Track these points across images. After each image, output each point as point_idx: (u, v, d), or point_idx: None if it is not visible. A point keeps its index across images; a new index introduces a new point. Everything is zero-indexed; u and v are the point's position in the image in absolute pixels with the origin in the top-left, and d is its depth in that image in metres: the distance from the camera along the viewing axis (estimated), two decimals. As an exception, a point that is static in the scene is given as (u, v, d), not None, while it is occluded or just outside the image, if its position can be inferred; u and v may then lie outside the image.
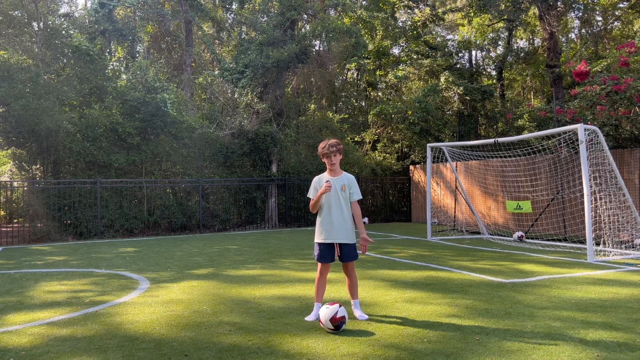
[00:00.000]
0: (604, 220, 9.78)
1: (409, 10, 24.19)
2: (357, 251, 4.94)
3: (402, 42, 23.34)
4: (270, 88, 17.50)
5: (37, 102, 12.75)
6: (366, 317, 4.88)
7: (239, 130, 16.54)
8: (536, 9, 19.29)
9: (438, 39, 25.03)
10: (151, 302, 5.62)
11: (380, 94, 24.35)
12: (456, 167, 15.44)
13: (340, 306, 4.44)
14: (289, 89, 20.11)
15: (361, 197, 4.98)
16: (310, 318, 4.82)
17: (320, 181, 4.93)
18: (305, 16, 19.70)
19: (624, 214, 9.87)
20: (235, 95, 17.38)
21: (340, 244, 4.80)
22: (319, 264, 4.87)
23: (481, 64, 26.08)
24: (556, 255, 9.39)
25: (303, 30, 20.02)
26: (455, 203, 15.08)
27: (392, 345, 4.03)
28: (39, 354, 3.90)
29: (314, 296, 4.99)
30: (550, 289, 6.23)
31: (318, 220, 4.94)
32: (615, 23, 23.39)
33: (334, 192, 4.83)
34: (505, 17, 20.22)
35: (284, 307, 5.34)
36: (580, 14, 21.50)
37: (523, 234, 11.74)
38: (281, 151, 17.59)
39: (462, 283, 6.62)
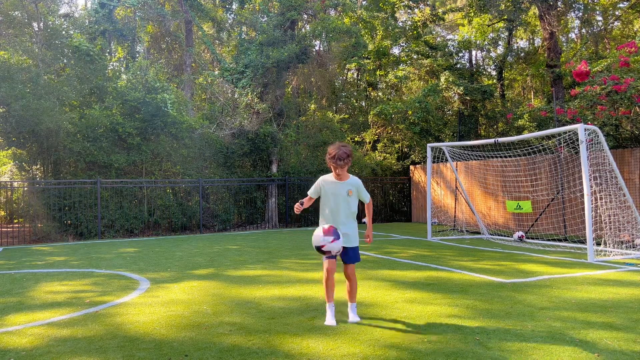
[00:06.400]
0: (604, 220, 9.78)
1: (409, 10, 24.19)
2: (358, 256, 4.91)
3: (402, 42, 23.34)
4: (270, 88, 17.50)
5: (37, 103, 12.75)
6: (358, 319, 4.80)
7: (239, 130, 16.54)
8: (536, 9, 19.29)
9: (438, 39, 25.04)
10: (151, 303, 5.62)
11: (380, 94, 24.34)
12: (456, 167, 15.44)
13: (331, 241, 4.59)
14: (289, 89, 20.10)
15: (370, 199, 5.00)
16: (328, 322, 4.69)
17: (324, 182, 4.88)
18: (305, 16, 19.71)
19: (624, 214, 9.87)
20: (235, 95, 17.38)
21: (344, 247, 4.75)
22: (325, 261, 4.78)
23: (481, 64, 26.08)
24: (556, 255, 9.39)
25: (303, 30, 20.02)
26: (455, 203, 15.08)
27: (392, 345, 4.03)
28: (39, 355, 3.90)
29: (325, 297, 4.85)
30: (551, 289, 6.23)
31: (322, 221, 4.88)
32: (616, 23, 23.39)
33: (340, 196, 4.77)
34: (505, 17, 20.21)
35: (284, 308, 5.34)
36: (580, 14, 21.48)
37: (523, 234, 11.73)
38: (281, 151, 17.58)
39: (463, 283, 6.62)
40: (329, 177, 4.87)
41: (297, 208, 4.85)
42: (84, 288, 6.58)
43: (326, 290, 4.82)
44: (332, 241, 4.56)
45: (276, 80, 17.50)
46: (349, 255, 4.80)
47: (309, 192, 5.03)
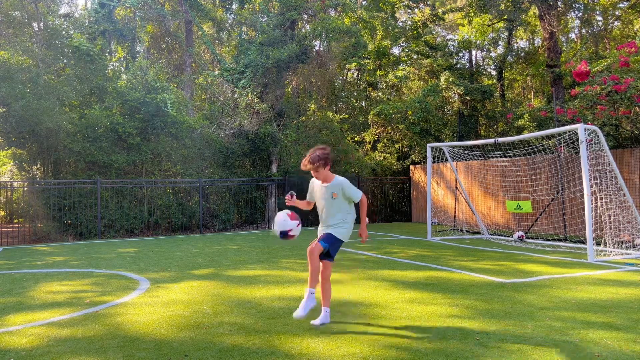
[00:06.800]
0: (604, 220, 9.78)
1: (409, 10, 24.19)
2: (335, 251, 4.62)
3: (402, 42, 23.34)
4: (270, 88, 17.50)
5: (37, 103, 12.75)
6: (318, 324, 4.54)
7: (239, 130, 16.54)
8: (536, 8, 19.29)
9: (438, 39, 25.04)
10: (151, 303, 5.62)
11: (380, 94, 24.34)
12: (456, 167, 15.44)
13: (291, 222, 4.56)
14: (289, 89, 20.10)
15: (361, 196, 4.66)
16: (295, 313, 4.45)
17: (313, 185, 4.82)
18: (305, 16, 19.71)
19: (624, 214, 9.87)
20: (235, 95, 17.38)
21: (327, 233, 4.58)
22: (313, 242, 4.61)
23: (481, 64, 26.07)
24: (556, 255, 9.39)
25: (303, 30, 20.02)
26: (455, 203, 15.08)
27: (392, 345, 4.03)
28: (39, 355, 3.90)
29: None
30: (551, 289, 6.23)
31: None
32: (616, 23, 23.39)
33: (326, 199, 4.66)
34: (505, 17, 20.22)
35: (284, 308, 5.34)
36: (580, 13, 21.49)
37: (523, 234, 11.73)
38: (281, 151, 17.58)
39: (463, 283, 6.62)
40: (317, 180, 4.79)
41: (288, 199, 4.73)
42: (84, 288, 6.58)
43: (310, 274, 4.51)
44: (297, 225, 4.61)
45: (276, 80, 17.49)
46: (324, 238, 4.54)
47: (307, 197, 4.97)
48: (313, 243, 4.59)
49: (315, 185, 4.80)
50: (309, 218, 17.31)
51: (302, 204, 4.94)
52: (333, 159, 4.75)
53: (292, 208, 4.89)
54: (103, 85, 14.90)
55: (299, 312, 4.45)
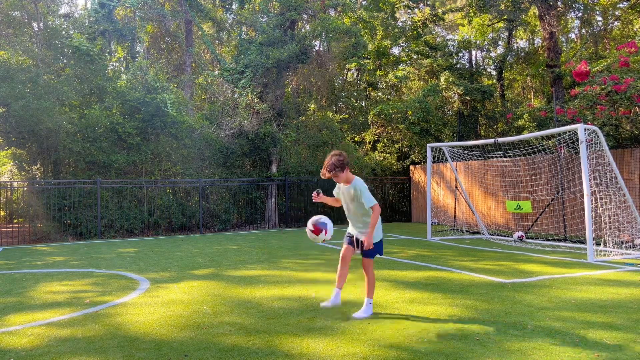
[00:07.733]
0: (604, 220, 9.78)
1: (409, 10, 24.18)
2: (376, 252, 4.98)
3: (402, 42, 23.34)
4: (270, 88, 17.50)
5: (37, 103, 12.75)
6: (362, 316, 4.87)
7: (239, 130, 16.54)
8: (536, 9, 19.29)
9: (438, 39, 25.02)
10: (151, 303, 5.62)
11: (380, 94, 24.33)
12: (456, 167, 15.43)
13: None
14: (289, 89, 20.10)
15: (374, 203, 4.72)
16: (325, 304, 4.92)
17: (338, 185, 5.05)
18: (305, 16, 19.70)
19: (624, 214, 9.87)
20: (235, 95, 17.38)
21: (361, 241, 4.95)
22: (343, 245, 5.06)
23: (481, 64, 26.06)
24: (556, 255, 9.39)
25: (303, 30, 20.01)
26: (455, 203, 15.07)
27: (392, 345, 4.03)
28: (39, 355, 3.90)
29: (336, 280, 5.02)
30: (551, 289, 6.23)
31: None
32: (615, 23, 23.39)
33: (348, 199, 4.93)
34: (505, 17, 20.22)
35: (284, 308, 5.34)
36: (580, 14, 21.49)
37: (523, 234, 11.73)
38: (281, 151, 17.58)
39: (463, 283, 6.62)
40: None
41: (315, 196, 5.04)
42: (84, 288, 6.58)
43: (337, 275, 5.01)
44: (326, 233, 4.88)
45: (276, 80, 17.49)
46: (361, 248, 4.95)
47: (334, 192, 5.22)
48: (344, 248, 5.00)
49: (340, 185, 5.04)
50: (310, 217, 17.30)
51: (330, 200, 5.18)
52: (348, 161, 4.99)
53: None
54: (103, 85, 14.89)
55: (325, 303, 4.93)
